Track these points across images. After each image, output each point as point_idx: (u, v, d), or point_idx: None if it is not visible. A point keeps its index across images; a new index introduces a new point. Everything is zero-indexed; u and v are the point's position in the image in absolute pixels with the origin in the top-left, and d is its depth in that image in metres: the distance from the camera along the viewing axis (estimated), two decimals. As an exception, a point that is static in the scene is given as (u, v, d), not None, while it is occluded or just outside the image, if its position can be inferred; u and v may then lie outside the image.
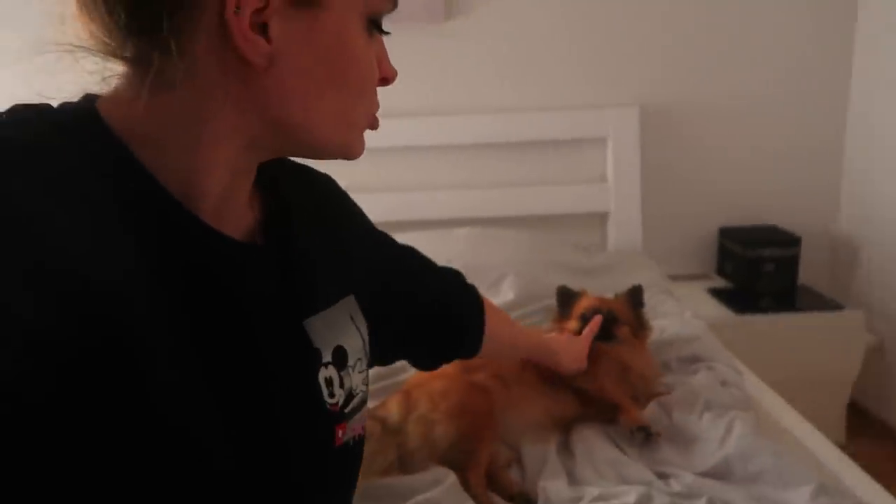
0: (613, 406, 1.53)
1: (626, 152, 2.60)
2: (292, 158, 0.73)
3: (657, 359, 1.73)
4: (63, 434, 0.49)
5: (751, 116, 2.71)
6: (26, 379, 0.47)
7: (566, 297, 1.73)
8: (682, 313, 2.03)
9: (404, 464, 1.38)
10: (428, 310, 1.00)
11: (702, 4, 2.61)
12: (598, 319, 1.59)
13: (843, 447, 1.53)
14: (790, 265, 2.60)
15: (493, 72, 2.62)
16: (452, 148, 2.62)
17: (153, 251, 0.56)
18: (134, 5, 0.54)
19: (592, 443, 1.47)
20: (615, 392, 1.56)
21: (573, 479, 1.38)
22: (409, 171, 2.61)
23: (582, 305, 1.68)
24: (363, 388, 0.75)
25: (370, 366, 0.80)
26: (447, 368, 1.24)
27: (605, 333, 1.60)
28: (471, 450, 1.38)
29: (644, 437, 1.46)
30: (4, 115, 0.56)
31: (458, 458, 1.37)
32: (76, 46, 0.57)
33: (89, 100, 0.59)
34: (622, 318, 1.65)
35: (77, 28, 0.56)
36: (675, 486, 1.31)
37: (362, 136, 0.66)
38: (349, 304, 0.75)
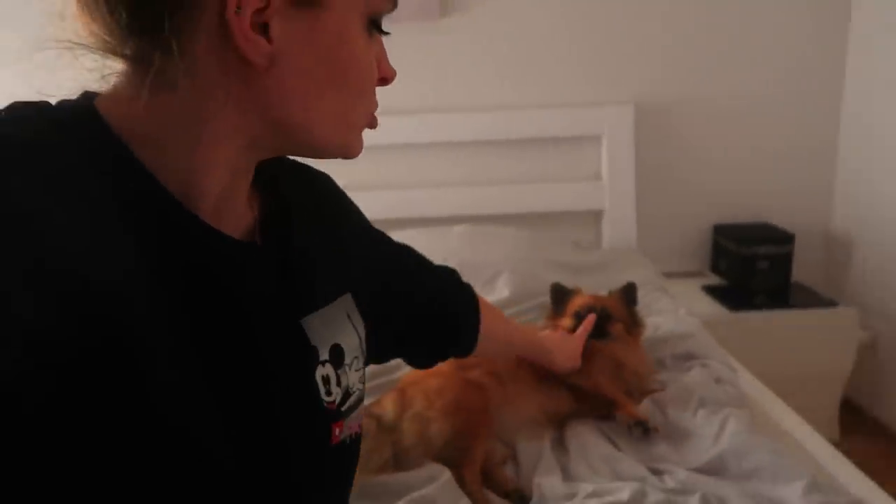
0: (609, 402, 1.53)
1: (621, 150, 2.61)
2: (291, 157, 0.73)
3: (651, 356, 1.74)
4: (63, 434, 0.49)
5: (745, 115, 2.72)
6: (26, 379, 0.47)
7: (560, 295, 1.73)
8: (677, 310, 2.04)
9: (399, 461, 1.38)
10: (424, 309, 1.00)
11: (697, 4, 2.61)
12: (592, 317, 1.59)
13: (837, 444, 1.54)
14: (784, 262, 2.61)
15: (487, 69, 2.62)
16: (447, 145, 2.62)
17: (153, 251, 0.56)
18: (135, 5, 0.54)
19: (587, 439, 1.47)
20: (611, 388, 1.56)
21: (567, 476, 1.38)
22: (404, 169, 2.61)
23: (576, 303, 1.68)
24: (360, 386, 0.75)
25: (366, 364, 0.81)
26: (442, 366, 1.25)
27: (600, 331, 1.60)
28: (466, 447, 1.38)
29: (642, 432, 1.47)
30: (3, 113, 0.56)
31: (454, 456, 1.37)
32: (76, 44, 0.56)
33: (88, 98, 0.59)
34: (616, 316, 1.65)
35: (77, 27, 0.56)
36: (669, 482, 1.31)
37: (361, 136, 0.66)
38: (346, 302, 0.76)
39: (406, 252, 1.01)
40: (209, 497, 0.57)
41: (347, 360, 0.73)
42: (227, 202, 0.62)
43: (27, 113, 0.56)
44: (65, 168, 0.53)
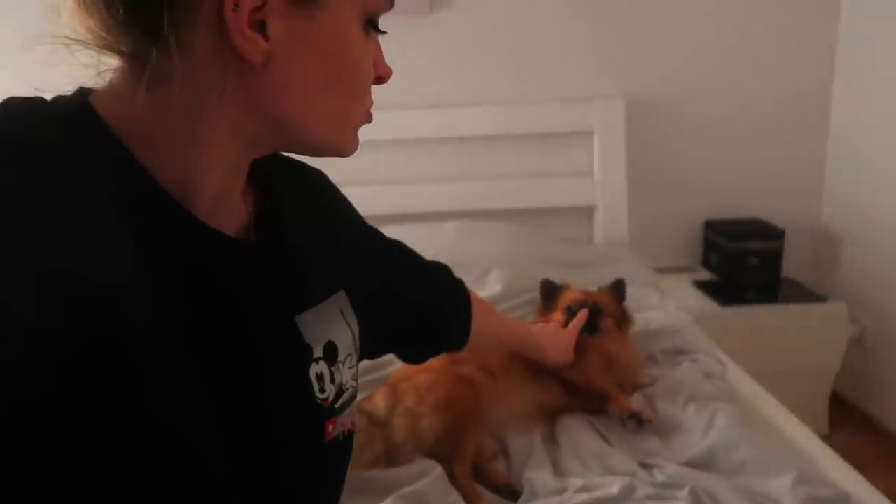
0: (601, 396, 1.54)
1: (613, 146, 2.61)
2: (285, 153, 0.73)
3: (641, 351, 1.75)
4: (62, 434, 0.49)
5: (736, 111, 2.73)
6: (26, 379, 0.47)
7: (549, 291, 1.74)
8: (667, 306, 2.05)
9: (391, 457, 1.38)
10: (417, 304, 1.00)
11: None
12: (584, 312, 1.60)
13: (826, 438, 1.55)
14: (774, 258, 2.63)
15: (478, 65, 2.62)
16: (438, 141, 2.62)
17: (151, 250, 0.55)
18: (133, 1, 0.54)
19: (577, 434, 1.48)
20: (603, 382, 1.57)
21: (558, 470, 1.39)
22: (395, 165, 2.60)
23: (567, 298, 1.69)
24: (353, 383, 0.76)
25: (359, 360, 0.81)
26: (434, 361, 1.25)
27: (591, 326, 1.61)
28: (457, 442, 1.39)
29: (636, 424, 1.47)
30: None
31: (445, 451, 1.38)
32: (72, 40, 0.56)
33: (83, 94, 0.58)
34: (606, 311, 1.66)
35: (74, 23, 0.56)
36: (659, 476, 1.32)
37: (357, 134, 0.67)
38: (340, 299, 0.76)
39: (398, 248, 1.01)
40: (203, 494, 0.58)
41: (341, 358, 0.73)
42: (222, 200, 0.62)
43: (19, 110, 0.56)
44: (61, 166, 0.53)
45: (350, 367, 0.75)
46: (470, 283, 1.16)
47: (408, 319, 0.99)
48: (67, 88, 0.59)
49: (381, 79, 0.67)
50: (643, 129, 2.67)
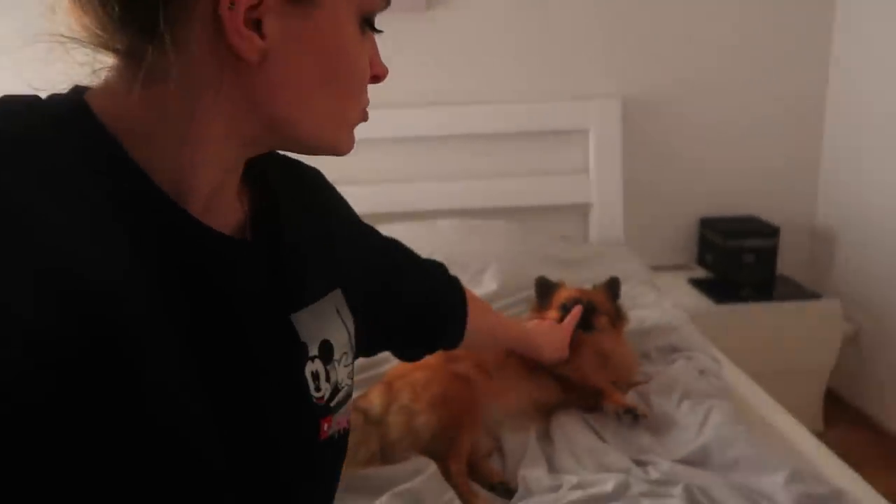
0: (596, 392, 1.55)
1: (608, 144, 2.61)
2: (281, 152, 0.73)
3: (636, 348, 1.75)
4: (61, 434, 0.49)
5: (732, 110, 2.73)
6: (26, 379, 0.47)
7: (544, 288, 1.74)
8: (663, 303, 2.05)
9: (386, 454, 1.38)
10: (413, 303, 1.00)
11: (684, -3, 2.62)
12: (578, 309, 1.60)
13: (821, 435, 1.55)
14: (770, 255, 2.63)
15: (474, 62, 2.61)
16: (434, 139, 2.61)
17: (147, 250, 0.55)
18: None
19: (572, 431, 1.48)
20: (598, 378, 1.57)
21: (552, 468, 1.39)
22: (390, 163, 2.60)
23: (561, 296, 1.69)
24: (348, 381, 0.76)
25: (355, 358, 0.81)
26: (429, 359, 1.25)
27: (585, 323, 1.61)
28: (452, 439, 1.39)
29: (632, 419, 1.48)
30: None
31: (440, 449, 1.38)
32: (67, 38, 0.56)
33: (78, 92, 0.58)
34: (601, 309, 1.67)
35: (69, 21, 0.56)
36: (653, 473, 1.32)
37: (352, 133, 0.67)
38: (336, 297, 0.76)
39: (394, 246, 1.01)
40: (199, 493, 0.58)
41: (336, 356, 0.73)
42: (217, 198, 0.62)
43: (18, 108, 0.56)
44: (56, 164, 0.53)
45: (345, 366, 0.75)
46: (465, 281, 1.16)
47: (404, 318, 0.99)
48: (63, 86, 0.59)
49: (377, 77, 0.67)
50: (639, 128, 2.67)
